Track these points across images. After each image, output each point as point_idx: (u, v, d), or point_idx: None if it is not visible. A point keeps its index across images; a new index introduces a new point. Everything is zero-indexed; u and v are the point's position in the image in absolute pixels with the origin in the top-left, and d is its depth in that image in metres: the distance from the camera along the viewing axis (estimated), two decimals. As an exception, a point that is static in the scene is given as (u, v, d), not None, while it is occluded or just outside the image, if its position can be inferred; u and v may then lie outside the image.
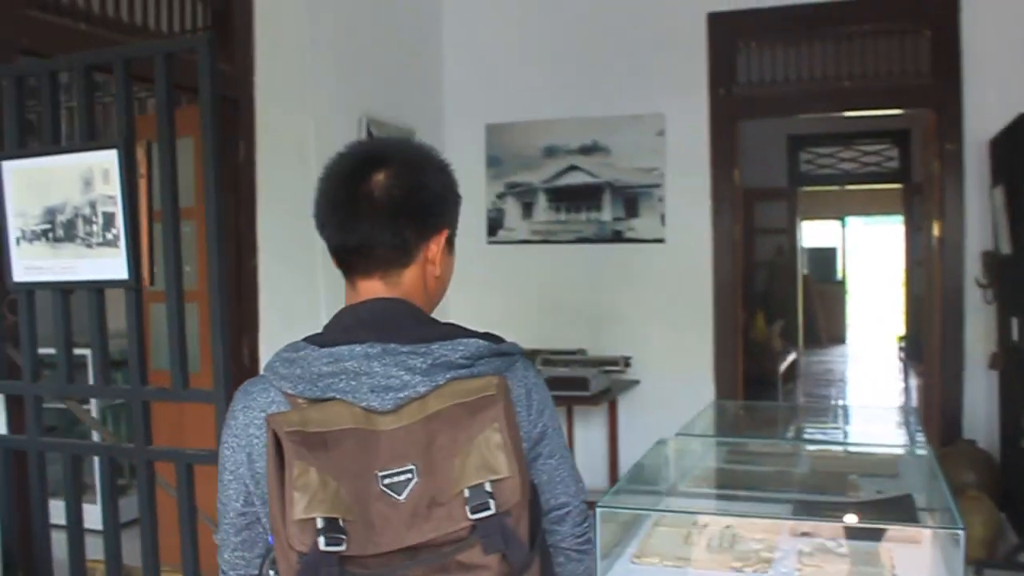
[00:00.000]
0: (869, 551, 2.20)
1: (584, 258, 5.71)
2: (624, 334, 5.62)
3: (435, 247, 1.26)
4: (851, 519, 2.20)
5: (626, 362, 5.41)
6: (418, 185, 1.23)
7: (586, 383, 5.00)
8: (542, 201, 5.79)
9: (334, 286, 1.45)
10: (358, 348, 1.14)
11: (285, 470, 1.06)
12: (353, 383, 1.11)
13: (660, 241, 5.52)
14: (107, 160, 2.31)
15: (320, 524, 1.03)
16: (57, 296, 2.45)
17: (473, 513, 1.05)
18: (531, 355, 5.46)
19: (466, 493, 1.06)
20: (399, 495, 1.06)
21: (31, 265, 2.45)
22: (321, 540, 1.02)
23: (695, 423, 3.03)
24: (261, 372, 1.23)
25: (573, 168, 5.69)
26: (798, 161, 9.05)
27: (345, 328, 1.20)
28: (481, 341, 1.17)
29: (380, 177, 1.21)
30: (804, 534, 2.31)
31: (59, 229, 2.40)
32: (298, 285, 4.38)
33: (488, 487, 1.06)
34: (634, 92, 5.50)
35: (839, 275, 14.49)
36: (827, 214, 13.18)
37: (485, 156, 5.90)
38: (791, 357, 8.85)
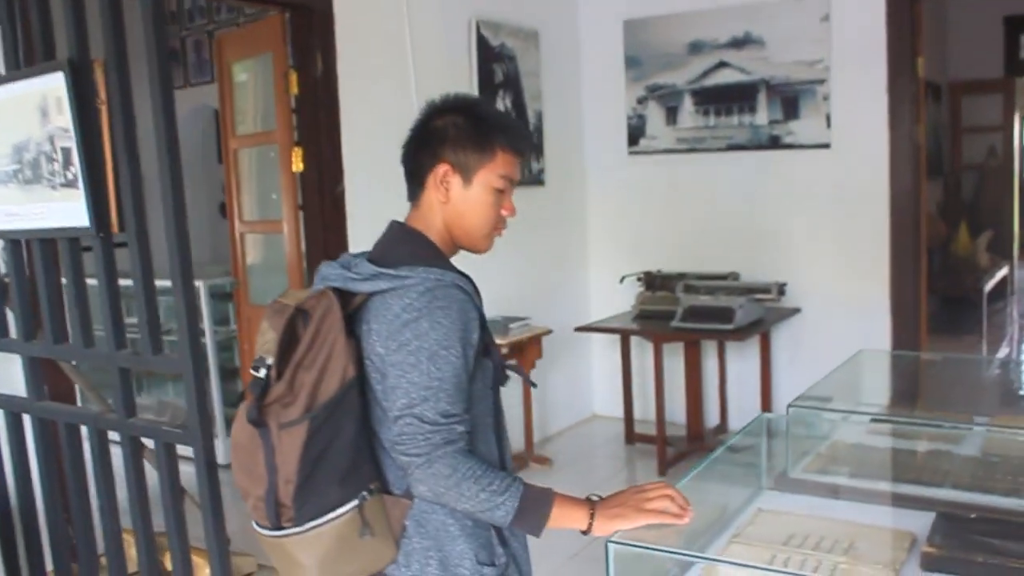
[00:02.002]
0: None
1: (736, 168, 5.01)
2: (783, 255, 4.91)
3: (436, 174, 1.57)
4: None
5: (780, 289, 4.69)
6: (429, 123, 1.59)
7: (730, 314, 4.37)
8: (688, 105, 5.09)
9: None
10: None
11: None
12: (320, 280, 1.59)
13: (825, 146, 4.73)
14: (59, 86, 1.94)
15: (256, 357, 1.47)
16: (36, 246, 2.15)
17: (256, 372, 1.45)
18: (673, 279, 4.87)
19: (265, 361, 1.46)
20: None
21: (8, 211, 2.15)
22: (252, 368, 1.47)
23: (823, 385, 2.40)
24: None
25: (722, 65, 4.96)
26: (1017, 46, 7.86)
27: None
28: (371, 265, 1.52)
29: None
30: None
31: (27, 169, 2.07)
32: (394, 212, 3.96)
33: (269, 360, 1.44)
34: (791, -30, 4.66)
35: (1069, 176, 12.69)
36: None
37: (623, 56, 5.26)
38: (1001, 272, 7.71)
